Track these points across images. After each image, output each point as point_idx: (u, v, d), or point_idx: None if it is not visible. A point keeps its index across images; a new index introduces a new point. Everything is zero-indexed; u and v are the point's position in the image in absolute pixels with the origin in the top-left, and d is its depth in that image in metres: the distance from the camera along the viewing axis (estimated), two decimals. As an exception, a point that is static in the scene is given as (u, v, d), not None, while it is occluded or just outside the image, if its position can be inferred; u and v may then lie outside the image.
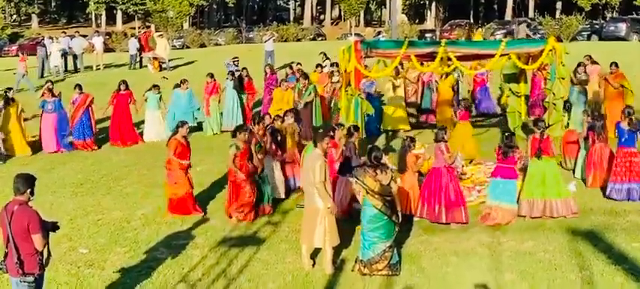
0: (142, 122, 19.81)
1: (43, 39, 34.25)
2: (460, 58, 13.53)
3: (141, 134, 19.53)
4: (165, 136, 18.55)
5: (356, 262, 9.58)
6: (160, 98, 19.37)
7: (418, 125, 18.77)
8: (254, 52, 32.87)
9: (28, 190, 7.19)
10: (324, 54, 24.85)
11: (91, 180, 15.19)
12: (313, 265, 9.78)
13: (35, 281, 7.20)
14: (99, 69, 32.88)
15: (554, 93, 12.90)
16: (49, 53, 31.51)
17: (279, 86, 19.10)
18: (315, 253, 9.95)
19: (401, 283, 9.16)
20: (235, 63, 23.95)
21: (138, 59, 33.50)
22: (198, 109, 19.94)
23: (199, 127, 19.96)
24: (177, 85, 19.93)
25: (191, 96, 19.86)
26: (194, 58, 36.35)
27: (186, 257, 10.44)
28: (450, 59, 13.00)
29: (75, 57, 32.50)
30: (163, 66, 32.01)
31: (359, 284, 9.18)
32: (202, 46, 50.92)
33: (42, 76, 29.44)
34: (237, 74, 20.95)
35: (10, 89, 18.60)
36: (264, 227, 11.68)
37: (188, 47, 49.23)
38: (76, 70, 32.35)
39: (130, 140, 19.01)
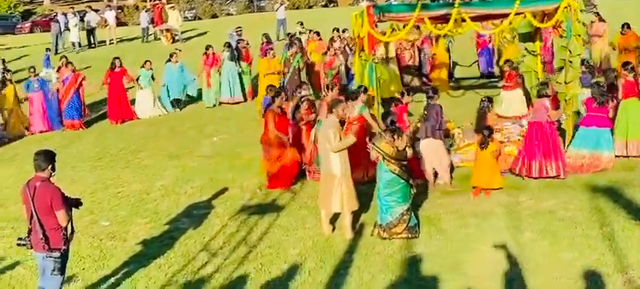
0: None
1: (56, 15, 34.20)
2: (474, 19, 13.35)
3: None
4: (159, 112, 18.74)
5: (375, 226, 9.63)
6: (152, 75, 19.35)
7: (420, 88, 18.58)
8: (266, 21, 32.72)
9: (49, 166, 7.24)
10: (301, 23, 24.92)
11: (109, 154, 15.31)
12: (333, 230, 9.84)
13: (61, 256, 7.29)
14: (112, 43, 32.88)
15: (570, 51, 12.71)
16: (62, 29, 31.57)
17: (266, 56, 18.86)
18: (334, 218, 10.00)
19: (421, 245, 9.19)
20: (238, 32, 23.88)
21: (150, 32, 33.49)
22: (194, 80, 20.05)
23: (192, 100, 20.26)
24: (169, 59, 19.92)
25: (182, 69, 19.88)
26: (206, 29, 36.26)
27: (207, 226, 10.53)
28: (464, 20, 12.83)
29: (90, 31, 32.53)
30: (176, 38, 31.98)
31: (379, 247, 9.22)
32: (214, 16, 50.72)
33: (56, 52, 29.49)
34: (235, 45, 20.91)
35: (8, 70, 18.55)
36: (283, 194, 11.74)
37: (200, 18, 49.04)
38: (90, 46, 32.39)
39: (127, 117, 18.96)
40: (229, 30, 25.39)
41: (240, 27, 24.80)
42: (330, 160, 9.57)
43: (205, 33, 34.37)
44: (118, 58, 19.44)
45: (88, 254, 9.64)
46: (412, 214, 9.50)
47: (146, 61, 19.40)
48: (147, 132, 17.22)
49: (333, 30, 21.47)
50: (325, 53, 18.99)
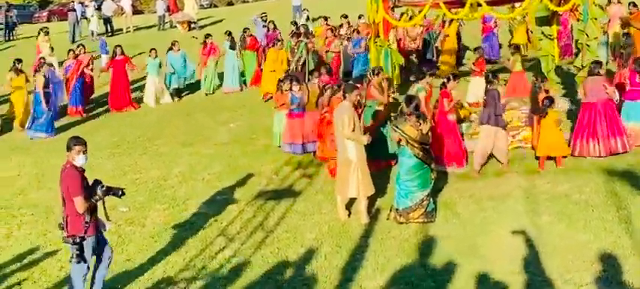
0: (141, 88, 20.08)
1: (73, 3, 34.38)
2: (490, 3, 13.30)
3: (139, 99, 19.68)
4: (168, 100, 18.82)
5: (391, 210, 9.65)
6: (160, 64, 19.39)
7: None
8: (282, 7, 32.65)
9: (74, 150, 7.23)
10: (265, 14, 24.84)
11: (126, 141, 15.43)
12: (349, 215, 9.88)
13: (78, 243, 7.18)
14: (129, 31, 33.02)
15: (587, 35, 12.65)
16: (79, 18, 31.73)
17: (274, 45, 18.79)
18: (350, 203, 10.04)
19: (437, 229, 9.21)
20: (263, 18, 23.89)
21: (167, 20, 33.59)
22: (193, 70, 20.05)
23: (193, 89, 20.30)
24: (170, 48, 19.94)
25: (185, 58, 19.91)
26: (222, 17, 36.27)
27: (224, 211, 10.62)
28: (479, 5, 12.78)
29: (106, 20, 32.70)
30: (192, 25, 32.05)
31: (395, 231, 9.25)
32: (230, 3, 50.67)
33: (73, 41, 29.66)
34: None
35: (20, 61, 18.46)
36: (300, 179, 11.81)
37: (216, 6, 49.03)
38: (108, 33, 32.53)
39: (126, 105, 18.98)
40: (254, 16, 25.40)
41: (265, 13, 24.83)
42: (346, 146, 9.60)
43: (221, 20, 34.39)
44: (119, 46, 19.60)
45: (108, 240, 9.74)
46: (430, 199, 9.52)
47: (152, 50, 19.44)
48: (162, 120, 17.32)
49: (341, 16, 21.46)
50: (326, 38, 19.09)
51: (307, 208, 10.44)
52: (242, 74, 20.25)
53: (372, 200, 10.05)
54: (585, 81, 11.81)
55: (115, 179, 12.54)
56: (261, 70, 19.41)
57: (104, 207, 7.55)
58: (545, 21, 14.72)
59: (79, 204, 7.08)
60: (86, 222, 7.18)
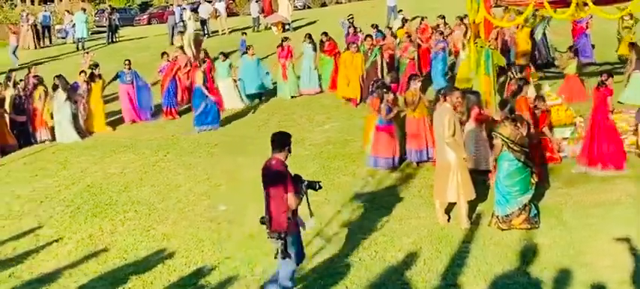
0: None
1: (172, 7, 35.38)
2: (597, 2, 12.73)
3: None
4: (241, 103, 18.89)
5: (492, 217, 9.40)
6: (230, 65, 19.42)
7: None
8: (377, 8, 32.51)
9: (286, 148, 7.34)
10: (352, 16, 24.41)
11: (223, 141, 15.67)
12: (448, 220, 9.68)
13: (283, 239, 7.10)
14: (224, 33, 33.66)
15: None
16: (177, 20, 32.59)
17: (348, 49, 18.49)
18: (449, 208, 9.84)
19: (541, 236, 8.91)
20: (350, 20, 23.83)
21: (261, 22, 34.06)
22: (268, 73, 19.94)
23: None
24: (245, 52, 19.91)
25: (259, 62, 19.91)
26: (316, 18, 36.49)
27: (320, 212, 10.56)
28: (586, 4, 12.26)
29: (202, 22, 33.46)
30: (286, 27, 32.36)
31: (496, 237, 9.00)
32: (323, 5, 50.93)
33: (172, 43, 30.46)
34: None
35: (96, 66, 18.74)
36: (396, 182, 11.68)
37: (309, 7, 49.40)
38: (204, 35, 33.25)
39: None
40: (341, 18, 25.42)
41: (351, 15, 24.80)
42: (445, 148, 9.41)
43: (315, 22, 34.58)
44: (204, 50, 19.81)
45: (208, 237, 9.94)
46: (532, 204, 9.21)
47: (221, 53, 19.56)
48: (258, 121, 17.50)
49: (438, 17, 21.13)
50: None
51: (404, 212, 10.30)
52: (320, 76, 20.20)
53: (472, 205, 9.81)
54: None
55: (213, 178, 12.81)
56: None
57: (308, 203, 7.49)
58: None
59: (292, 199, 7.09)
60: (289, 218, 7.16)
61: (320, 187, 7.49)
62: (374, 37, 19.37)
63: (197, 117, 16.75)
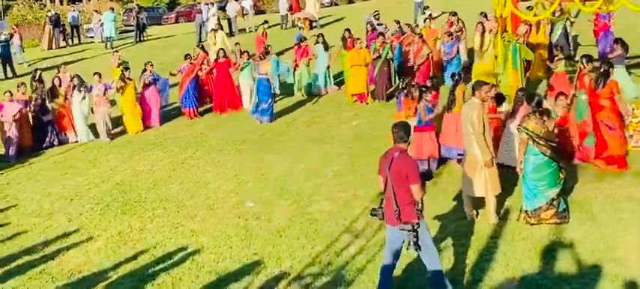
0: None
1: (200, 5, 35.56)
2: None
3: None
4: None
5: (521, 212, 9.32)
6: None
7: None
8: (404, 4, 32.34)
9: (408, 138, 7.26)
10: (377, 13, 24.34)
11: (250, 139, 15.74)
12: (477, 215, 9.62)
13: (414, 230, 7.01)
14: (251, 31, 33.75)
15: None
16: (205, 19, 32.76)
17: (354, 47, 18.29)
18: (478, 203, 9.76)
19: (571, 231, 8.80)
20: (376, 16, 23.71)
21: (289, 19, 34.11)
22: (288, 69, 20.01)
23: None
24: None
25: (277, 63, 19.88)
26: (342, 15, 36.42)
27: (348, 208, 10.62)
28: (616, -5, 12.09)
29: (229, 20, 33.59)
30: (314, 24, 32.37)
31: (525, 232, 8.92)
32: (351, 2, 50.80)
33: (200, 42, 30.61)
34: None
35: (127, 68, 18.70)
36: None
37: (336, 4, 49.29)
38: (231, 34, 33.42)
39: (232, 107, 18.96)
40: (366, 15, 25.34)
41: (377, 11, 24.71)
42: (473, 143, 9.34)
43: (342, 19, 34.53)
44: (222, 48, 19.86)
45: (235, 233, 10.01)
46: (561, 199, 9.12)
47: (244, 52, 19.58)
48: (285, 118, 17.53)
49: (450, 14, 20.90)
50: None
51: (432, 207, 10.19)
52: (334, 77, 20.15)
53: (500, 200, 9.74)
54: None
55: (241, 174, 12.89)
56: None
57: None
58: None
59: (417, 191, 7.06)
60: (418, 209, 7.14)
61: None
62: (386, 35, 19.18)
63: (261, 111, 17.02)
